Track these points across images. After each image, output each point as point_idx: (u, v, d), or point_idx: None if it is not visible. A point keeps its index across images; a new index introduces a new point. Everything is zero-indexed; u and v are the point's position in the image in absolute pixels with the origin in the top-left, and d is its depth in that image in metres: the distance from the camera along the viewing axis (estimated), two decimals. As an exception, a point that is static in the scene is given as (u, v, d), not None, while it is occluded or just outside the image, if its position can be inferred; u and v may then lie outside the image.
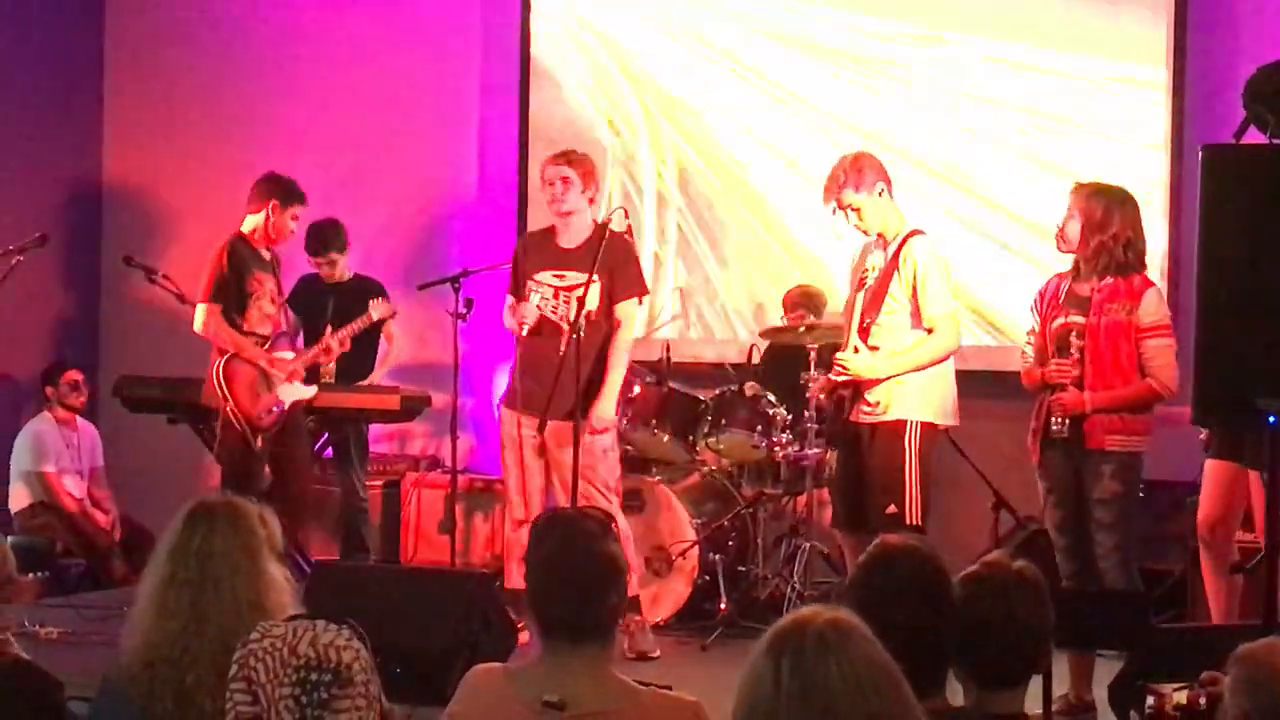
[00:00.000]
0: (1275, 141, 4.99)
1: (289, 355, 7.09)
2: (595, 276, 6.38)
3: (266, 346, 6.99)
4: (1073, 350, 5.58)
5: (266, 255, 7.08)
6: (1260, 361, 4.57)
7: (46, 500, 8.27)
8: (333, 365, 7.80)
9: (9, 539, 7.91)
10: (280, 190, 7.07)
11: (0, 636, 3.69)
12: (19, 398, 8.71)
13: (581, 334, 6.27)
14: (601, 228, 6.57)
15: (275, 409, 6.95)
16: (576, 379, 6.27)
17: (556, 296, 6.48)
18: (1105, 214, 5.57)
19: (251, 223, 7.05)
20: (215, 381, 6.90)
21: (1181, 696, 3.61)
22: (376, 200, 8.88)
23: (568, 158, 6.55)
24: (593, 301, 6.42)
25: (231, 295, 6.92)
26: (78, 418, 8.47)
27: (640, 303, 6.72)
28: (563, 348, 6.31)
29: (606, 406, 6.46)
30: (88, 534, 8.28)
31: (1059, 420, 5.56)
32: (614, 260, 6.49)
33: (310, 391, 7.16)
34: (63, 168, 9.29)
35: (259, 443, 6.91)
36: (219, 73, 9.23)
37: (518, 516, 6.48)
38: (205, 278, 6.96)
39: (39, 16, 9.11)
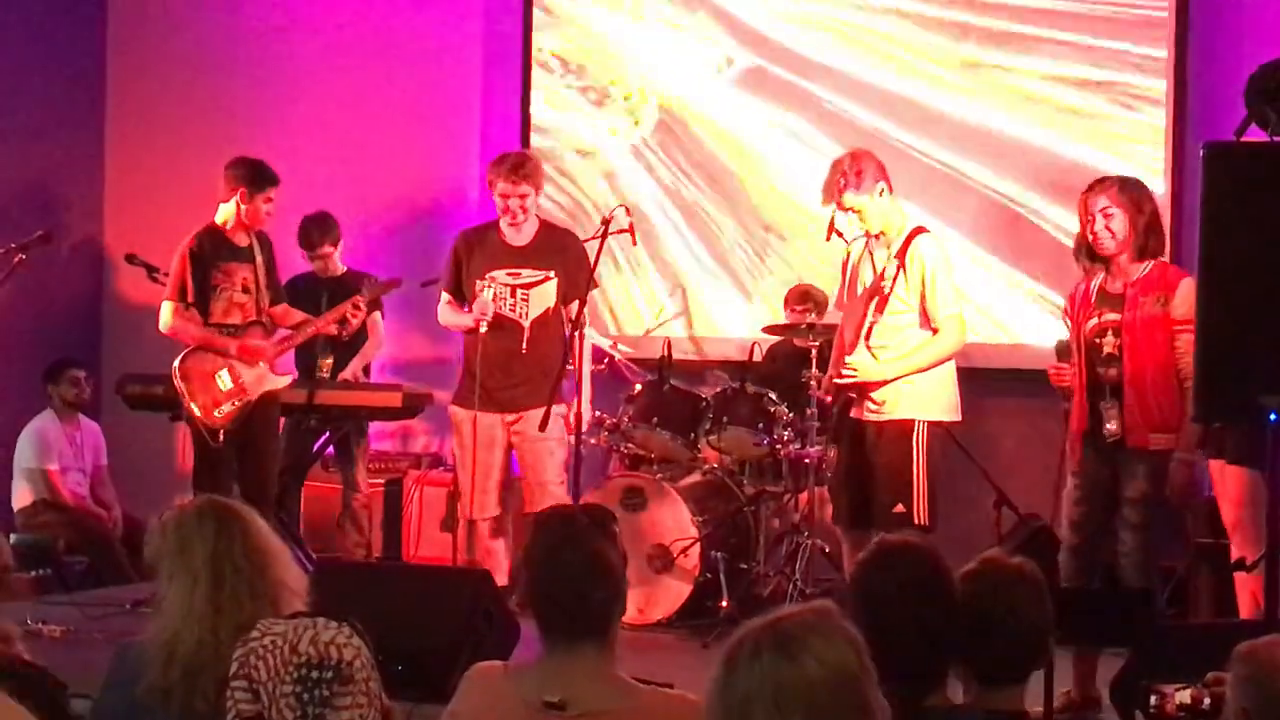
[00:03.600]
0: (1277, 139, 4.97)
1: (261, 344, 7.03)
2: (552, 273, 6.59)
3: (239, 337, 6.96)
4: (1108, 349, 5.54)
5: (245, 242, 7.03)
6: (1262, 359, 4.56)
7: (49, 498, 8.27)
8: (330, 360, 7.78)
9: (12, 536, 7.95)
10: (248, 176, 7.00)
11: (3, 635, 3.68)
12: (22, 395, 8.71)
13: (583, 329, 6.39)
14: (547, 224, 6.79)
15: (233, 403, 6.91)
16: (525, 371, 6.52)
17: (513, 294, 6.62)
18: (1139, 198, 5.55)
19: (223, 212, 7.02)
20: (173, 378, 6.90)
21: (1185, 696, 3.60)
22: (378, 199, 8.88)
23: (522, 175, 6.61)
24: (549, 298, 6.61)
25: (196, 290, 6.90)
26: (80, 415, 8.48)
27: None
28: (525, 345, 6.54)
29: (587, 406, 6.77)
30: (90, 531, 8.28)
31: (1112, 421, 5.53)
32: (569, 259, 6.64)
33: (281, 382, 7.11)
34: (65, 166, 9.29)
35: (219, 440, 6.88)
36: (221, 71, 9.23)
37: (477, 515, 6.69)
38: (170, 276, 6.99)
39: (41, 15, 9.11)
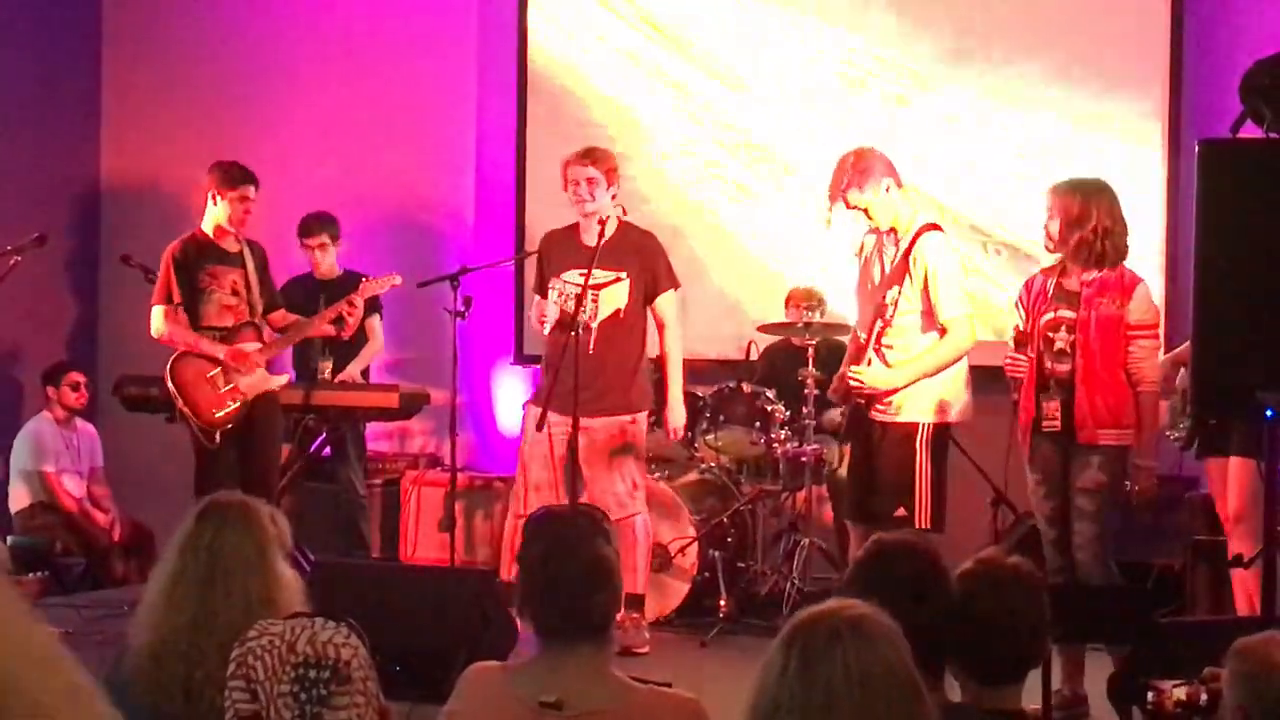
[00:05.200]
0: (1272, 135, 4.98)
1: (253, 346, 6.99)
2: (625, 274, 6.44)
3: (231, 339, 6.95)
4: (1060, 345, 5.58)
5: (234, 248, 7.02)
6: (1258, 354, 4.56)
7: (46, 500, 8.26)
8: (329, 363, 7.78)
9: (9, 539, 7.94)
10: (220, 177, 7.00)
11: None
12: (18, 398, 8.71)
13: (580, 333, 6.29)
14: (625, 224, 6.58)
15: (229, 405, 6.91)
16: (592, 375, 6.30)
17: (584, 294, 6.46)
18: (1082, 209, 5.56)
19: (208, 217, 7.03)
20: (166, 380, 6.89)
21: (1182, 692, 3.60)
22: (375, 200, 8.88)
23: (591, 157, 6.52)
24: (619, 299, 6.46)
25: (184, 294, 6.91)
26: (77, 417, 8.47)
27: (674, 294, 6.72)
28: (591, 346, 6.38)
29: (679, 414, 6.62)
30: (87, 533, 8.28)
31: (1051, 415, 5.57)
32: (646, 256, 6.51)
33: (277, 382, 7.09)
34: (61, 168, 9.29)
35: (217, 439, 6.87)
36: (216, 72, 9.23)
37: (521, 512, 6.46)
38: (156, 282, 7.01)
39: (35, 16, 9.11)
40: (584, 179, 6.47)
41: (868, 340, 5.93)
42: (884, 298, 5.88)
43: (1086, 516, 5.52)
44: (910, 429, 5.89)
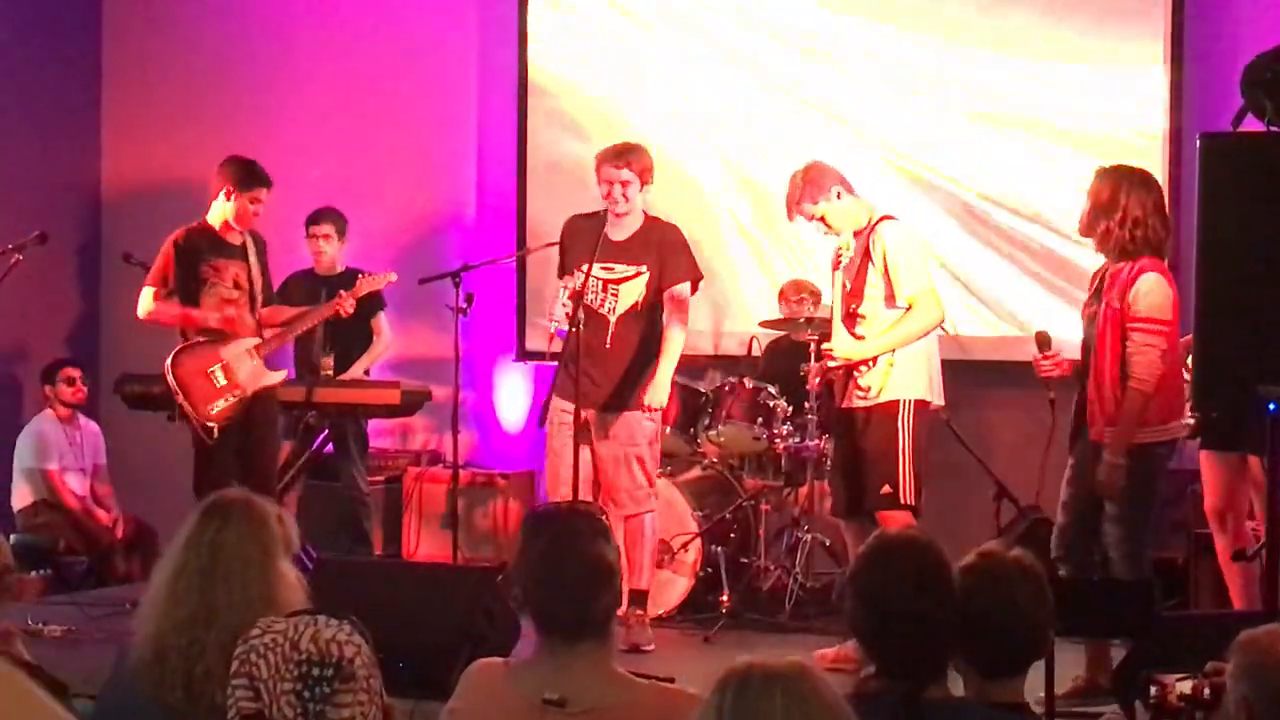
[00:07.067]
0: (1273, 128, 4.98)
1: (253, 342, 6.97)
2: (644, 269, 6.45)
3: (229, 335, 6.93)
4: (1093, 341, 5.56)
5: (237, 240, 7.01)
6: (1260, 348, 4.57)
7: (49, 498, 8.27)
8: (331, 359, 7.78)
9: (12, 537, 7.95)
10: (236, 175, 6.95)
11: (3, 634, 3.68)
12: (20, 396, 8.71)
13: (580, 327, 6.29)
14: (650, 219, 6.58)
15: (227, 399, 6.90)
16: (610, 369, 6.35)
17: (604, 289, 6.47)
18: (1112, 196, 5.45)
19: (215, 210, 6.99)
20: (166, 373, 6.89)
21: (1185, 686, 3.60)
22: (376, 199, 8.87)
23: (626, 160, 6.44)
24: (637, 293, 6.47)
25: (185, 285, 6.90)
26: (80, 415, 8.48)
27: (694, 289, 6.65)
28: (609, 340, 6.43)
29: (660, 393, 6.43)
30: (90, 532, 8.29)
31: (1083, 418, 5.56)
32: (664, 249, 6.51)
33: (276, 377, 7.07)
34: (62, 166, 9.29)
35: (215, 435, 6.86)
36: (217, 72, 9.23)
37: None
38: (153, 265, 7.01)
39: (37, 15, 9.11)
40: (618, 181, 6.42)
41: (836, 322, 6.15)
42: (852, 285, 6.08)
43: (1111, 520, 5.47)
44: (892, 408, 6.03)
